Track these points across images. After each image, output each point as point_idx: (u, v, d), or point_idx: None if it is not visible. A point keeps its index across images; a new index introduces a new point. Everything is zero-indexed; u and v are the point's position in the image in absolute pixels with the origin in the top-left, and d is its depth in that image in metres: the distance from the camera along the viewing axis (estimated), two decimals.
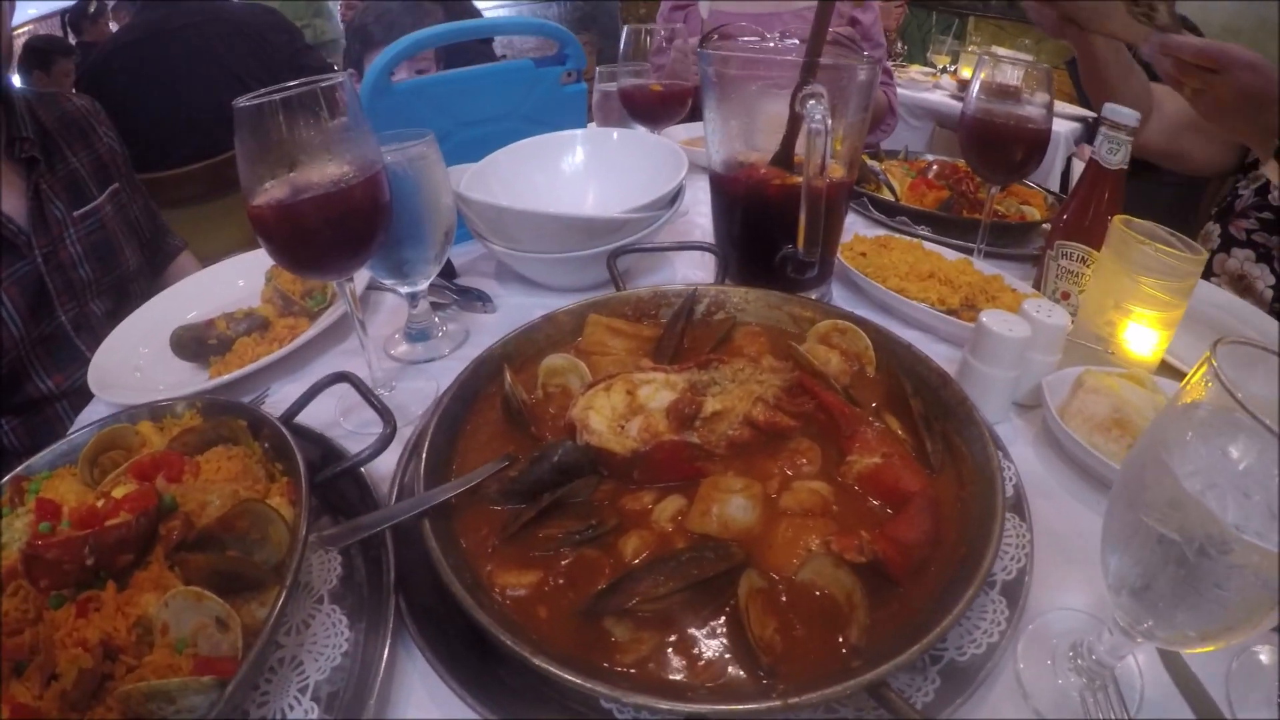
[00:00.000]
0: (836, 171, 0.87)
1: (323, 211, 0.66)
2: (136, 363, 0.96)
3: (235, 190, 2.30)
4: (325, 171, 0.67)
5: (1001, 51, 3.75)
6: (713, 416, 0.62)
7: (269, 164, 0.66)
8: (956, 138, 3.17)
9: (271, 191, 0.66)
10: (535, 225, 0.87)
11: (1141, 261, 0.80)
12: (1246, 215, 1.30)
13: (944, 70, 3.83)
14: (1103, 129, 0.96)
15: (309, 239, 0.67)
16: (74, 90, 2.45)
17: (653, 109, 1.33)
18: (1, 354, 1.19)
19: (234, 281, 1.13)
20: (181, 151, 2.30)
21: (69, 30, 5.48)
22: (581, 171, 1.10)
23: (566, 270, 0.94)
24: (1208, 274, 1.46)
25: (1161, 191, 2.98)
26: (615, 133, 1.12)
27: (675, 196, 0.96)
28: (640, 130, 1.29)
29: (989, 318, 0.76)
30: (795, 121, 0.82)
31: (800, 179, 0.77)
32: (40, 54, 4.66)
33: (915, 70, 3.75)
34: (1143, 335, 0.83)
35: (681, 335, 0.75)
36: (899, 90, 3.38)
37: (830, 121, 0.74)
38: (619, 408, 0.62)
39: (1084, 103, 3.37)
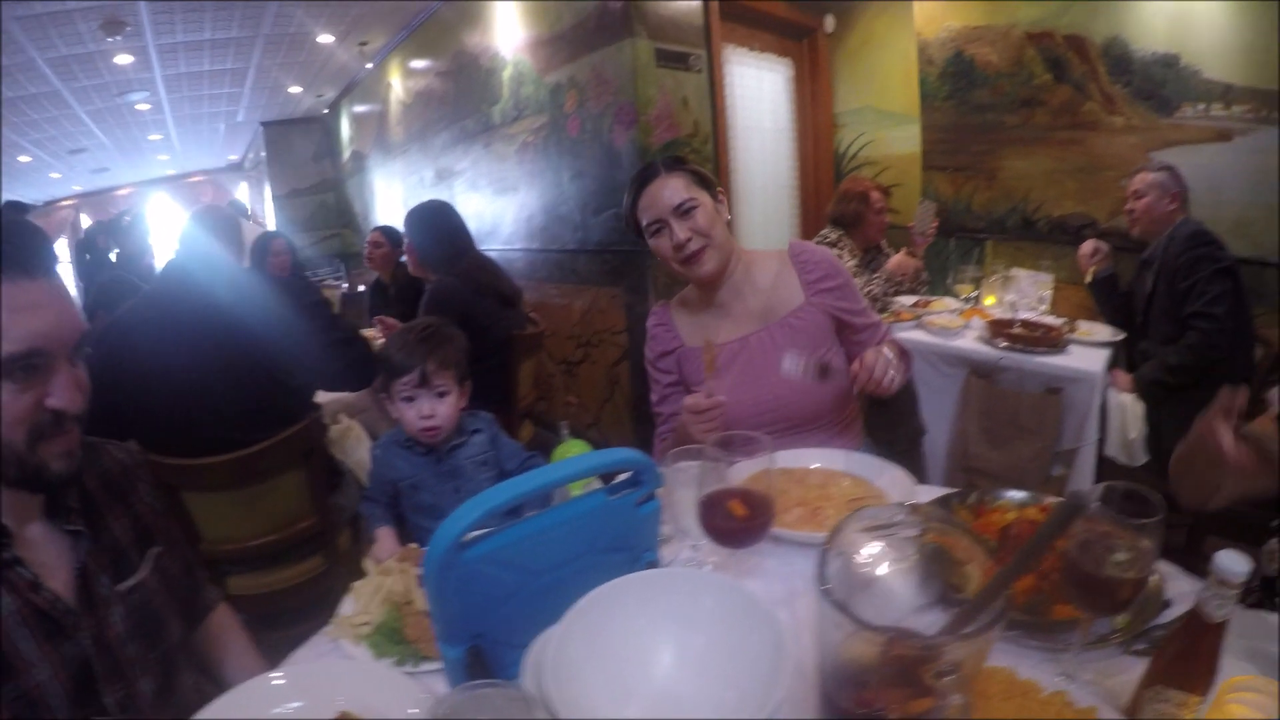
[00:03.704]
0: None
1: None
2: None
3: (261, 480, 2.28)
4: None
5: (1022, 272, 3.81)
6: None
7: None
8: (990, 388, 3.15)
9: None
10: None
11: None
12: None
13: (967, 300, 3.88)
14: (1211, 585, 0.91)
15: None
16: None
17: (733, 535, 1.19)
18: None
19: (289, 702, 1.13)
20: (203, 437, 2.25)
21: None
22: (661, 624, 1.02)
23: None
24: (1275, 592, 1.40)
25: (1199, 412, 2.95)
26: (702, 582, 1.05)
27: None
28: (727, 583, 1.07)
29: None
30: None
31: None
32: None
33: (940, 309, 3.79)
34: None
35: None
36: (929, 338, 3.40)
37: None
38: None
39: (1112, 322, 3.39)
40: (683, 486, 1.25)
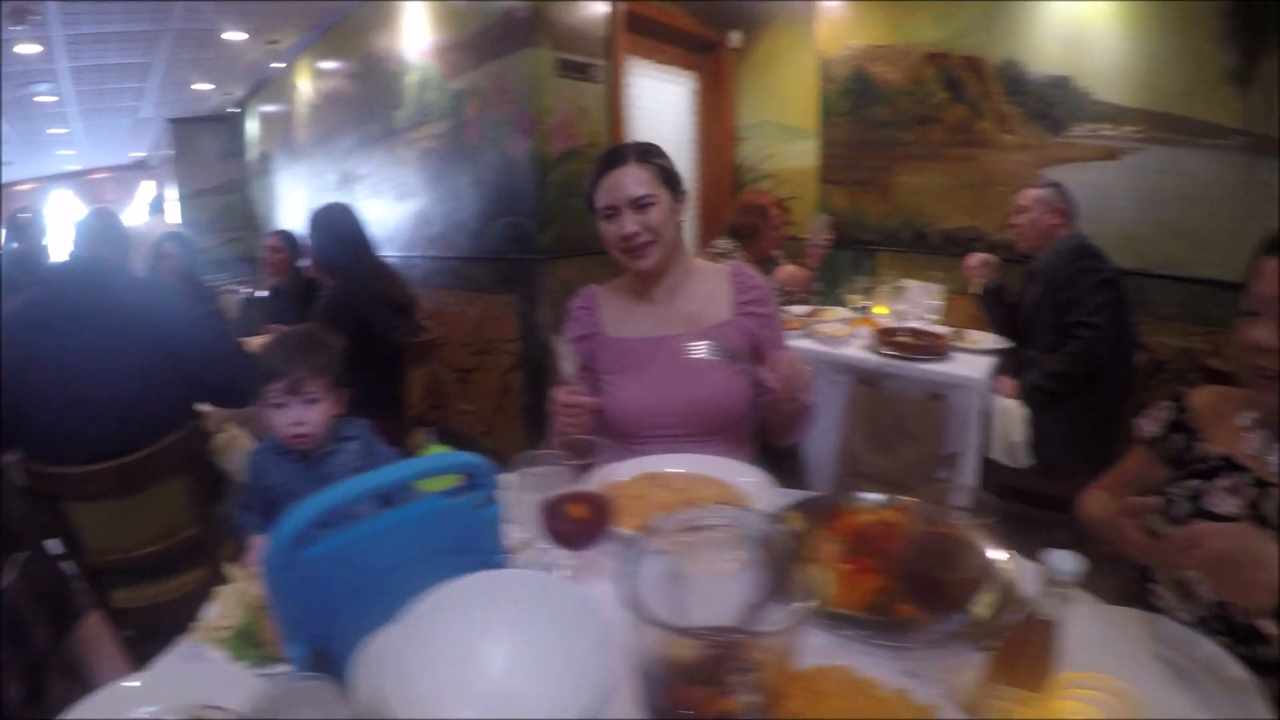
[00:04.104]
0: None
1: None
2: None
3: (145, 488, 2.21)
4: None
5: (913, 283, 3.90)
6: None
7: None
8: (875, 394, 3.21)
9: None
10: None
11: None
12: (1181, 522, 1.31)
13: (858, 309, 3.95)
14: (1043, 583, 0.94)
15: None
16: None
17: (571, 537, 1.22)
18: None
19: (144, 705, 1.11)
20: (85, 443, 2.21)
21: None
22: (497, 623, 1.02)
23: None
24: (1148, 579, 1.45)
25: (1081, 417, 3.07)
26: (537, 583, 1.06)
27: None
28: (560, 584, 1.15)
29: None
30: None
31: None
32: None
33: (831, 318, 3.87)
34: None
35: None
36: (817, 346, 3.45)
37: None
38: None
39: (999, 331, 3.49)
40: (531, 490, 1.26)
